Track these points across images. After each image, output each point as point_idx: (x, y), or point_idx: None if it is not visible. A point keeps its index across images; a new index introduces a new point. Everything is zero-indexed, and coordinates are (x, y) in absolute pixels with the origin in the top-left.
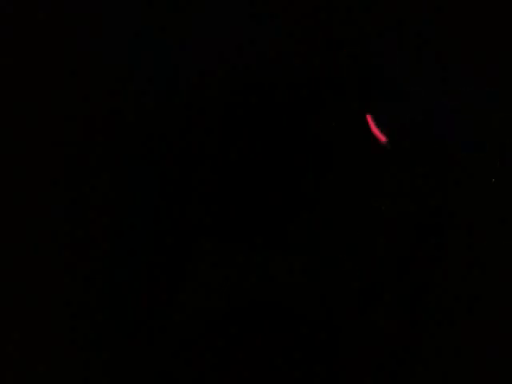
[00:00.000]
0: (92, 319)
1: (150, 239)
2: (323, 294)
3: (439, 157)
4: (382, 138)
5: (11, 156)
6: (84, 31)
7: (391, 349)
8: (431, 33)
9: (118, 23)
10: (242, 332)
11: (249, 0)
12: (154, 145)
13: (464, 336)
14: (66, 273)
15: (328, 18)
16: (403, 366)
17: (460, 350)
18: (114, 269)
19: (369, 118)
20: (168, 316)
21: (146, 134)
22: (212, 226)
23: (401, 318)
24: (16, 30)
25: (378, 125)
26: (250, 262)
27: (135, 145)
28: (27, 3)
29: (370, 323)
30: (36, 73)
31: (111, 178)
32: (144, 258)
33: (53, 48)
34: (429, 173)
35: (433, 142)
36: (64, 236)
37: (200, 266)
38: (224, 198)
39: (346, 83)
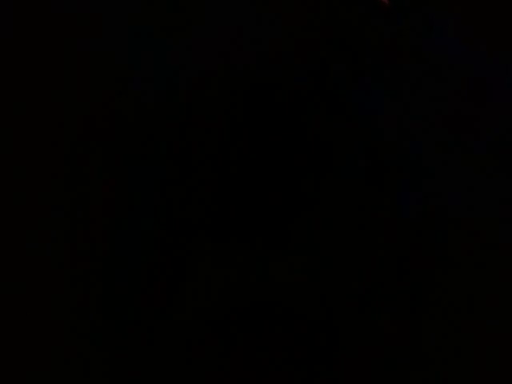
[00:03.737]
0: (92, 319)
1: (149, 239)
2: (323, 294)
3: (439, 157)
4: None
5: (11, 156)
6: (84, 31)
7: (391, 349)
8: (431, 32)
9: (118, 23)
10: (242, 332)
11: (249, 0)
12: (153, 145)
13: (464, 336)
14: (66, 273)
15: (328, 18)
16: (403, 366)
17: (460, 350)
18: (114, 269)
19: None
20: (168, 316)
21: (145, 134)
22: (212, 226)
23: (401, 318)
24: (16, 30)
25: None
26: (249, 262)
27: (135, 145)
28: (27, 3)
29: (370, 323)
30: (36, 73)
31: (111, 178)
32: (144, 258)
33: (53, 48)
34: (429, 172)
35: (433, 142)
36: (64, 236)
37: (200, 265)
38: (224, 198)
39: (346, 83)
